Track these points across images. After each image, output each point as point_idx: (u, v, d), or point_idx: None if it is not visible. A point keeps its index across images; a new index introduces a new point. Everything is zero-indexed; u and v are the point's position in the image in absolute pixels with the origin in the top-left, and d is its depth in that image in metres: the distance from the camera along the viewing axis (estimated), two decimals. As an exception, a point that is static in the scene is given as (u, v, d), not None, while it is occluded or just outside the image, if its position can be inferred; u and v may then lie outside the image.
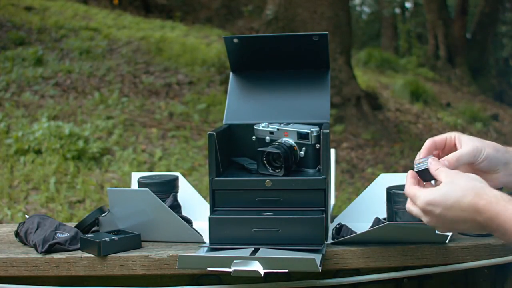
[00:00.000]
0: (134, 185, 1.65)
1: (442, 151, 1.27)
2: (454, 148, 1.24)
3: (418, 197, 1.11)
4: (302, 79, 1.62)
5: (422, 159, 1.22)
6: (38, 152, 5.39)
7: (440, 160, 1.20)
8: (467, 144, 1.21)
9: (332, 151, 1.63)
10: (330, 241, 1.42)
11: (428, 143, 1.24)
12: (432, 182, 1.20)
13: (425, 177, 1.20)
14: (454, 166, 1.18)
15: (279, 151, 1.42)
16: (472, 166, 1.21)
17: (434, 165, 1.17)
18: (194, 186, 1.74)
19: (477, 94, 12.20)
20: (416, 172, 1.21)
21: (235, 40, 1.58)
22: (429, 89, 10.60)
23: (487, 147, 1.20)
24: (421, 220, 1.40)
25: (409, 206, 1.17)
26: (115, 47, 8.03)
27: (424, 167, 1.19)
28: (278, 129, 1.50)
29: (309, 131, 1.46)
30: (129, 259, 1.37)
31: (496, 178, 1.22)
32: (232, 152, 1.57)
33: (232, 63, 1.65)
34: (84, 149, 5.45)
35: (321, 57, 1.58)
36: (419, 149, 1.26)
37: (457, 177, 1.10)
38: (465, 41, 13.83)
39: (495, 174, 1.22)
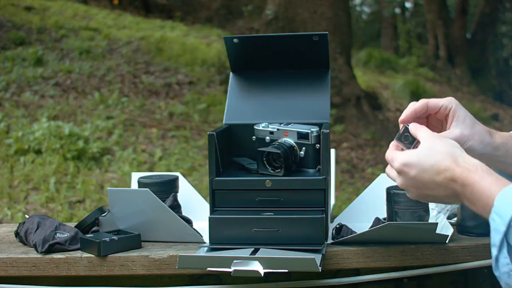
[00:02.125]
0: (134, 185, 1.65)
1: (431, 116, 1.23)
2: (445, 119, 1.21)
3: (396, 159, 1.09)
4: (302, 79, 1.62)
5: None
6: (38, 152, 5.40)
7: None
8: (455, 128, 1.18)
9: (332, 151, 1.63)
10: (330, 241, 1.42)
11: (420, 103, 1.20)
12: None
13: (406, 140, 1.15)
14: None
15: (279, 151, 1.42)
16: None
17: (415, 125, 1.14)
18: (194, 186, 1.74)
19: (477, 94, 12.21)
20: (396, 138, 1.16)
21: (235, 40, 1.58)
22: (429, 89, 10.61)
23: (472, 139, 1.17)
24: (421, 220, 1.40)
25: (387, 170, 1.14)
26: (115, 47, 8.03)
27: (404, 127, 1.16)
28: (278, 129, 1.50)
29: (309, 131, 1.46)
30: (129, 259, 1.37)
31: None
32: (232, 152, 1.57)
33: (232, 63, 1.65)
34: (84, 149, 5.45)
35: (321, 57, 1.58)
36: None
37: (436, 141, 1.07)
38: (465, 41, 13.84)
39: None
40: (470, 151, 1.14)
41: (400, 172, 1.09)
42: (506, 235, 0.92)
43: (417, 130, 1.13)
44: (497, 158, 1.20)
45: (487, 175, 0.99)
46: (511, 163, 1.19)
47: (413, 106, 1.20)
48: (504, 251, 0.93)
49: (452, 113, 1.19)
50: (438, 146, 1.06)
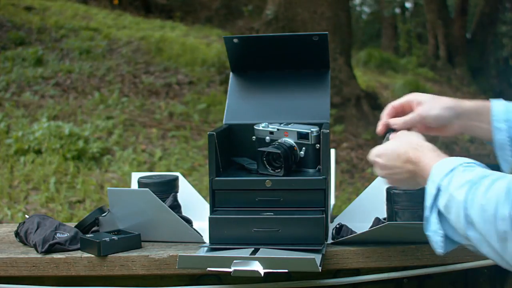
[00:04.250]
0: (134, 185, 1.65)
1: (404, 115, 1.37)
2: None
3: (371, 153, 1.25)
4: (302, 79, 1.62)
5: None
6: (38, 152, 5.39)
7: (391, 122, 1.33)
8: (416, 110, 1.32)
9: (332, 151, 1.63)
10: (330, 241, 1.42)
11: (387, 109, 1.35)
12: None
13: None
14: (402, 128, 1.32)
15: (279, 151, 1.42)
16: (423, 125, 1.33)
17: (392, 136, 1.30)
18: (194, 186, 1.74)
19: (477, 94, 12.21)
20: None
21: (235, 40, 1.58)
22: (429, 89, 10.60)
23: (433, 109, 1.31)
24: (421, 220, 1.41)
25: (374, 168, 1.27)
26: (115, 47, 8.03)
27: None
28: (278, 129, 1.50)
29: (309, 131, 1.46)
30: (129, 259, 1.37)
31: (451, 129, 1.33)
32: (232, 152, 1.57)
33: (232, 63, 1.65)
34: (84, 149, 5.45)
35: (321, 57, 1.58)
36: None
37: (403, 134, 1.27)
38: (465, 41, 13.83)
39: (449, 127, 1.33)
40: (439, 119, 1.30)
41: (375, 163, 1.24)
42: (435, 198, 1.06)
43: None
44: (473, 124, 1.32)
45: (430, 152, 1.15)
46: (488, 128, 1.30)
47: (385, 114, 1.35)
48: (434, 212, 1.07)
49: (416, 102, 1.33)
50: (402, 136, 1.26)
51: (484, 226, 0.95)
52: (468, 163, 1.06)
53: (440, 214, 1.06)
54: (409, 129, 1.31)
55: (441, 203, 1.04)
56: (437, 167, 1.08)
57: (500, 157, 1.28)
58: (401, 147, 1.20)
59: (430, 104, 1.32)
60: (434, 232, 1.08)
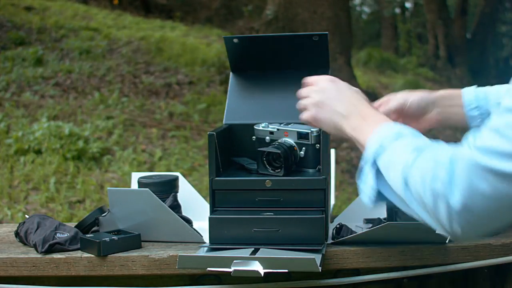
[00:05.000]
0: (134, 185, 1.65)
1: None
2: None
3: (322, 76, 1.29)
4: (302, 79, 1.61)
5: None
6: (38, 152, 5.40)
7: None
8: (393, 101, 1.41)
9: (332, 151, 1.63)
10: (330, 241, 1.42)
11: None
12: None
13: None
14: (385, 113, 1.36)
15: (279, 151, 1.42)
16: (402, 114, 1.40)
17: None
18: (194, 186, 1.74)
19: (477, 94, 12.17)
20: None
21: (235, 40, 1.58)
22: (429, 89, 10.56)
23: (412, 96, 1.40)
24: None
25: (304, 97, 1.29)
26: (115, 47, 8.03)
27: None
28: (278, 129, 1.50)
29: (309, 131, 1.46)
30: (129, 259, 1.37)
31: (430, 118, 1.40)
32: (232, 152, 1.57)
33: (232, 63, 1.65)
34: (84, 149, 5.45)
35: (321, 57, 1.58)
36: None
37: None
38: (465, 41, 13.83)
39: (427, 115, 1.40)
40: (419, 104, 1.40)
41: (330, 80, 1.27)
42: (375, 154, 1.08)
43: None
44: (450, 110, 1.40)
45: (374, 112, 1.19)
46: (464, 112, 1.39)
47: (392, 106, 1.42)
48: (369, 164, 1.09)
49: (387, 101, 1.43)
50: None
51: (420, 187, 0.96)
52: (415, 131, 1.09)
53: (375, 170, 1.09)
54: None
55: (380, 161, 1.07)
56: (386, 126, 1.11)
57: None
58: (353, 90, 1.27)
59: (408, 94, 1.41)
60: (369, 186, 1.10)
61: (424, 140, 1.04)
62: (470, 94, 1.40)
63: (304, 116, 1.27)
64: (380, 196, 1.11)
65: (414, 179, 0.98)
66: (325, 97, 1.24)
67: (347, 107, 1.21)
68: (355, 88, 1.29)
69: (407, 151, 1.03)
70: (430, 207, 0.95)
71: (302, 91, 1.30)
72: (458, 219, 0.92)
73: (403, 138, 1.06)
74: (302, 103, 1.28)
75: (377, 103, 1.42)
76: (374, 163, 1.08)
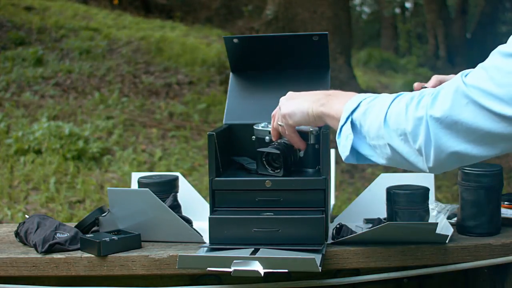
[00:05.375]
0: (134, 185, 1.65)
1: None
2: None
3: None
4: (302, 79, 1.62)
5: None
6: (38, 152, 5.40)
7: None
8: (431, 80, 1.41)
9: (332, 151, 1.63)
10: (330, 241, 1.42)
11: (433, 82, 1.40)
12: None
13: None
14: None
15: (279, 152, 1.42)
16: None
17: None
18: (194, 186, 1.74)
19: (477, 94, 12.16)
20: None
21: (235, 40, 1.58)
22: (429, 89, 10.57)
23: (448, 76, 1.41)
24: (421, 220, 1.40)
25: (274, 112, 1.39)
26: (115, 47, 8.03)
27: None
28: None
29: (309, 130, 1.46)
30: (129, 259, 1.37)
31: None
32: (232, 152, 1.57)
33: (232, 63, 1.65)
34: (84, 149, 5.45)
35: (321, 57, 1.58)
36: None
37: None
38: (465, 41, 13.83)
39: None
40: None
41: (285, 98, 1.34)
42: (353, 111, 1.14)
43: None
44: None
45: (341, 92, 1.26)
46: None
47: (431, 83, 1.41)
48: (348, 122, 1.15)
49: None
50: None
51: (402, 116, 1.05)
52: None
53: (353, 125, 1.15)
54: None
55: (359, 112, 1.14)
56: (361, 94, 1.20)
57: None
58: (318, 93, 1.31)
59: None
60: (345, 137, 1.15)
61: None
62: None
63: (277, 119, 1.36)
64: (354, 153, 1.17)
65: (395, 111, 1.07)
66: (290, 100, 1.32)
67: (312, 95, 1.29)
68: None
69: (385, 98, 1.12)
70: (410, 132, 1.03)
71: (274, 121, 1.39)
72: (434, 139, 1.00)
73: (380, 96, 1.14)
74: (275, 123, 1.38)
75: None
76: (350, 117, 1.15)
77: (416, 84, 1.41)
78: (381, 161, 1.13)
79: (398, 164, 1.13)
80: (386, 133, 1.08)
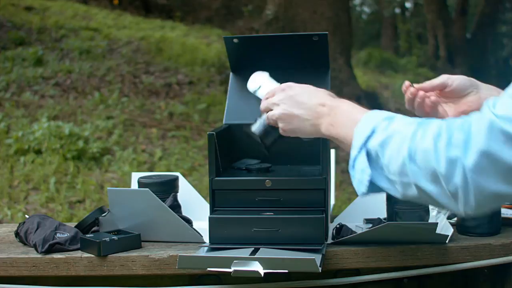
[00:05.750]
0: (134, 185, 1.65)
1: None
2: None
3: (280, 86, 1.27)
4: (302, 79, 1.61)
5: None
6: (38, 152, 5.40)
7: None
8: (436, 78, 1.34)
9: (332, 151, 1.63)
10: (330, 241, 1.42)
11: (440, 82, 1.34)
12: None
13: None
14: (426, 88, 1.33)
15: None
16: (443, 93, 1.33)
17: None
18: (194, 186, 1.74)
19: (477, 94, 12.16)
20: None
21: (235, 40, 1.58)
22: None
23: (454, 76, 1.33)
24: (421, 220, 1.40)
25: (262, 104, 1.30)
26: (115, 47, 8.03)
27: None
28: None
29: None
30: (129, 259, 1.37)
31: (471, 101, 1.31)
32: (232, 152, 1.57)
33: (232, 63, 1.65)
34: (84, 149, 5.45)
35: (321, 57, 1.58)
36: None
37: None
38: (465, 41, 13.83)
39: (468, 98, 1.31)
40: (461, 81, 1.32)
41: (282, 90, 1.25)
42: (367, 139, 1.04)
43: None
44: (496, 94, 1.31)
45: (351, 105, 1.16)
46: None
47: (435, 82, 1.34)
48: (363, 151, 1.04)
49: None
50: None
51: (432, 155, 0.93)
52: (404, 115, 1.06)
53: (368, 155, 1.04)
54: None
55: (375, 142, 1.02)
56: (373, 113, 1.09)
57: None
58: (319, 91, 1.22)
59: (450, 75, 1.34)
60: (361, 170, 1.05)
61: (417, 118, 1.02)
62: None
63: (281, 125, 1.26)
64: (372, 186, 1.06)
65: (421, 148, 0.94)
66: (287, 109, 1.23)
67: (314, 109, 1.19)
68: (311, 86, 1.26)
69: (405, 125, 1.00)
70: (443, 174, 0.91)
71: (262, 105, 1.30)
72: (472, 182, 0.89)
73: (395, 118, 1.04)
74: (268, 117, 1.28)
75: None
76: (365, 148, 1.04)
77: (404, 87, 1.38)
78: (401, 196, 1.03)
79: (422, 202, 1.05)
80: (411, 172, 0.97)
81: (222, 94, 7.02)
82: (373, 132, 1.03)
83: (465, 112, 1.28)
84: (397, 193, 1.03)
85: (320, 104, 1.19)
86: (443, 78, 1.32)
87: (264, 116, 1.31)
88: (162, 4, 12.14)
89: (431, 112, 1.33)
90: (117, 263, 1.37)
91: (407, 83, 1.36)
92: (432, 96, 1.34)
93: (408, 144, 0.97)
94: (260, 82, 1.40)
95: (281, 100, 1.24)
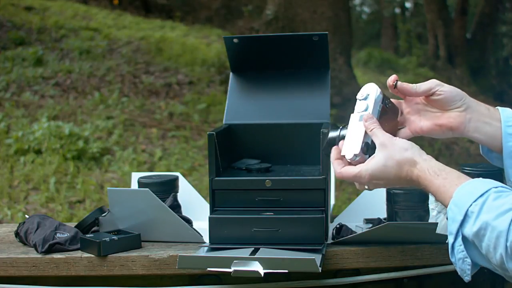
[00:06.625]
0: (134, 185, 1.65)
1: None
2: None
3: (362, 176, 1.17)
4: (302, 79, 1.62)
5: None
6: (38, 152, 5.39)
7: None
8: (425, 83, 1.27)
9: (332, 151, 1.63)
10: (330, 241, 1.42)
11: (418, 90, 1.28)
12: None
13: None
14: (410, 93, 1.27)
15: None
16: (429, 99, 1.26)
17: (369, 124, 1.24)
18: (194, 186, 1.74)
19: (477, 94, 12.19)
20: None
21: (235, 40, 1.58)
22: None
23: (446, 85, 1.26)
24: (421, 220, 1.40)
25: (358, 186, 1.22)
26: (115, 47, 8.03)
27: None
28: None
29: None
30: (129, 259, 1.37)
31: (454, 117, 1.23)
32: (232, 152, 1.57)
33: (232, 63, 1.65)
34: (84, 149, 5.45)
35: (321, 57, 1.58)
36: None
37: (391, 149, 1.16)
38: (465, 41, 13.83)
39: (453, 112, 1.24)
40: (452, 91, 1.24)
41: (372, 184, 1.18)
42: (461, 224, 1.02)
43: (370, 127, 1.23)
44: (483, 119, 1.23)
45: (435, 179, 1.10)
46: (498, 127, 1.22)
47: (422, 87, 1.27)
48: (459, 239, 1.03)
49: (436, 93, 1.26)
50: (394, 155, 1.15)
51: None
52: (496, 187, 1.03)
53: (464, 239, 1.04)
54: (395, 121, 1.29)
55: (470, 229, 1.01)
56: (463, 190, 1.04)
57: (509, 167, 1.21)
58: (401, 171, 1.15)
59: (442, 83, 1.27)
60: (461, 260, 1.06)
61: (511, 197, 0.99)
62: (510, 112, 1.24)
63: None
64: (474, 265, 1.07)
65: None
66: (376, 187, 1.20)
67: (405, 185, 1.17)
68: (405, 151, 1.16)
69: (497, 216, 0.98)
70: None
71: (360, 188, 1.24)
72: None
73: (489, 201, 1.00)
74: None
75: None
76: (460, 232, 1.04)
77: (390, 81, 1.33)
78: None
79: None
80: (511, 268, 0.99)
81: (222, 94, 7.02)
82: (466, 216, 1.02)
83: (442, 127, 1.24)
84: (501, 274, 1.04)
85: (409, 181, 1.15)
86: (431, 84, 1.25)
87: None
88: (162, 4, 12.14)
89: (401, 119, 1.31)
90: (117, 263, 1.37)
91: (393, 77, 1.32)
92: (415, 105, 1.30)
93: (504, 241, 0.96)
94: (367, 103, 1.35)
95: (377, 185, 1.20)
